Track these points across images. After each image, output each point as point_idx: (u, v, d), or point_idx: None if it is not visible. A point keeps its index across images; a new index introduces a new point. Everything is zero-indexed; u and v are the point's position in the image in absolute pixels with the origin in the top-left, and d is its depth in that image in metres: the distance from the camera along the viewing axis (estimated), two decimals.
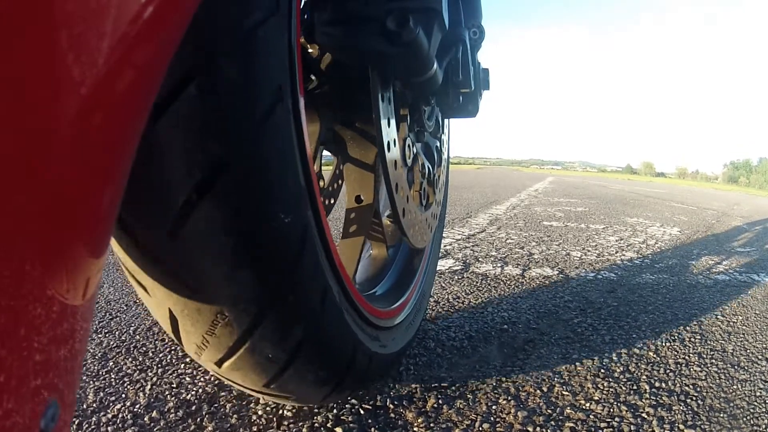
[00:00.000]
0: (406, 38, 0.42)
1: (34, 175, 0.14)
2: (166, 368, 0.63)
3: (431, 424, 0.51)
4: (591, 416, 0.54)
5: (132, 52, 0.17)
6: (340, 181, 0.65)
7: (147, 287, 0.33)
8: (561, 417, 0.54)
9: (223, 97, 0.28)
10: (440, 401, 0.56)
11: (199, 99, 0.28)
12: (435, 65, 0.51)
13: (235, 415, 0.51)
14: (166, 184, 0.29)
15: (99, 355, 0.67)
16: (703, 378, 0.67)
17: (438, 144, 0.83)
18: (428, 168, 0.71)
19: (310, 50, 0.49)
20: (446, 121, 0.94)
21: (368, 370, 0.47)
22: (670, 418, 0.55)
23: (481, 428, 0.51)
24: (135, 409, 0.53)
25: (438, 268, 1.15)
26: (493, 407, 0.55)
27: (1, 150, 0.13)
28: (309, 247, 0.34)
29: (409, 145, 0.58)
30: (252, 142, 0.30)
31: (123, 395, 0.56)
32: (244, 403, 0.54)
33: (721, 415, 0.57)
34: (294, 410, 0.52)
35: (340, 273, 0.40)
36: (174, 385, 0.58)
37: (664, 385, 0.64)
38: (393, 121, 0.50)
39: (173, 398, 0.55)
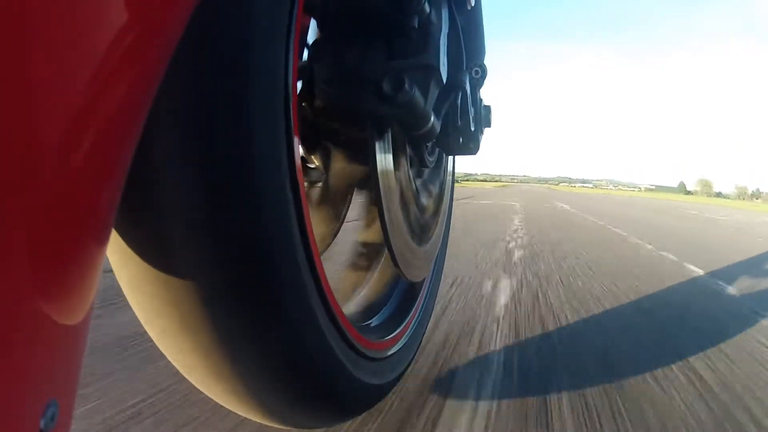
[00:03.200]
0: (401, 100, 0.42)
1: (33, 175, 0.14)
2: None
3: None
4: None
5: (131, 51, 0.17)
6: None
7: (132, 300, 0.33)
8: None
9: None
10: None
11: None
12: (432, 119, 0.51)
13: None
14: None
15: None
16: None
17: (440, 178, 0.84)
18: (428, 201, 0.72)
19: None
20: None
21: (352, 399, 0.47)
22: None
23: None
24: None
25: None
26: None
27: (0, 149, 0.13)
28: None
29: (407, 180, 0.59)
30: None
31: None
32: None
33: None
34: None
35: (327, 299, 0.40)
36: None
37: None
38: (389, 156, 0.51)
39: None
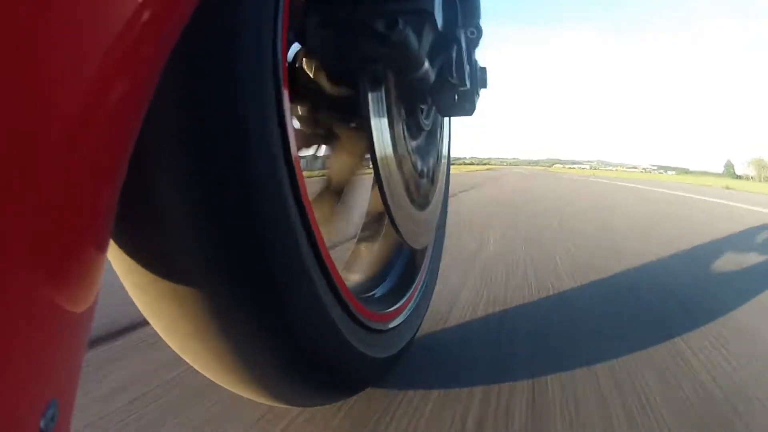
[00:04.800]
0: (395, 39, 0.42)
1: (33, 176, 0.14)
2: None
3: None
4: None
5: (129, 51, 0.17)
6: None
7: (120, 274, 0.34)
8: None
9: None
10: None
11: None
12: (426, 64, 0.51)
13: None
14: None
15: None
16: None
17: (437, 141, 0.83)
18: (425, 166, 0.71)
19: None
20: (446, 119, 0.94)
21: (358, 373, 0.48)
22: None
23: None
24: None
25: None
26: None
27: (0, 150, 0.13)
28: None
29: (403, 144, 0.58)
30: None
31: None
32: None
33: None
34: None
35: (328, 270, 0.40)
36: None
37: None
38: (384, 120, 0.51)
39: None
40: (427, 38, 0.49)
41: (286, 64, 0.35)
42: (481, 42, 0.73)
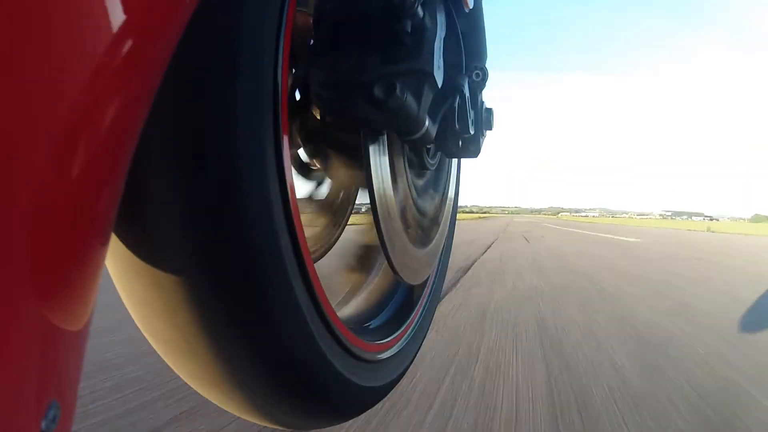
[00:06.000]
0: (393, 105, 0.42)
1: (34, 177, 0.14)
2: None
3: None
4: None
5: (130, 52, 0.17)
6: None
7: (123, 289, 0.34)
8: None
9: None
10: None
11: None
12: (426, 123, 0.51)
13: None
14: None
15: None
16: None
17: (443, 180, 0.84)
18: (429, 204, 0.72)
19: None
20: (455, 159, 0.95)
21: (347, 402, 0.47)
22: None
23: None
24: None
25: None
26: None
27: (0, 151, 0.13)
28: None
29: (404, 181, 0.59)
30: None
31: None
32: None
33: None
34: None
35: (318, 298, 0.40)
36: None
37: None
38: (385, 159, 0.51)
39: None
40: (427, 98, 0.49)
41: (287, 90, 0.36)
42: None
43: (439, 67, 0.49)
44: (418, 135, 0.51)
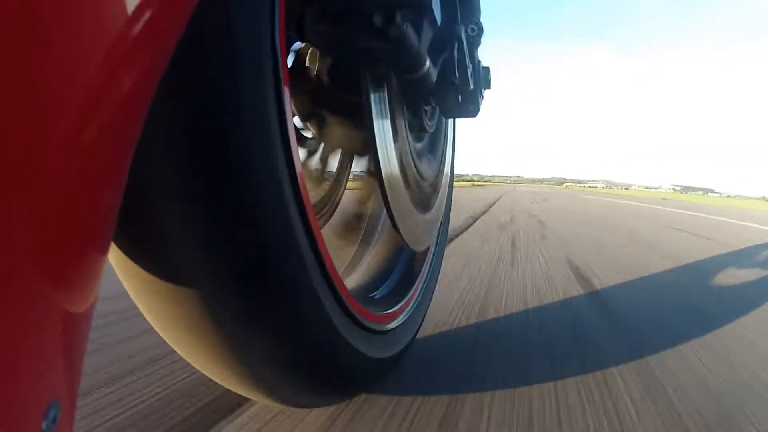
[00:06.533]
0: (394, 34, 0.41)
1: (34, 176, 0.14)
2: None
3: None
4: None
5: (130, 52, 0.17)
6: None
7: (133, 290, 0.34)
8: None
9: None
10: None
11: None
12: (428, 62, 0.50)
13: None
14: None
15: None
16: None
17: (441, 144, 0.83)
18: (429, 168, 0.71)
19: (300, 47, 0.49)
20: (451, 121, 0.93)
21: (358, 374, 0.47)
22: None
23: None
24: None
25: None
26: None
27: (1, 151, 0.13)
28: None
29: (406, 145, 0.58)
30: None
31: None
32: None
33: None
34: None
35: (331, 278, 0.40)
36: None
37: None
38: (387, 122, 0.50)
39: None
40: (427, 34, 0.48)
41: (287, 64, 0.35)
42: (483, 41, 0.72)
43: (437, 2, 0.48)
44: (419, 73, 0.50)
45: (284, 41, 0.34)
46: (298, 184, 0.35)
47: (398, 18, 0.41)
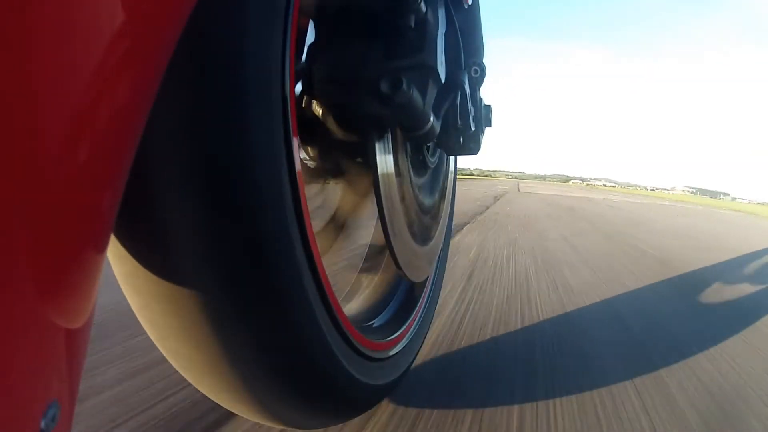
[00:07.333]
0: (399, 100, 0.42)
1: (34, 177, 0.14)
2: None
3: None
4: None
5: (130, 52, 0.17)
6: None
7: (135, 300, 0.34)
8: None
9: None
10: None
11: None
12: (431, 119, 0.51)
13: None
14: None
15: None
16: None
17: (442, 178, 0.84)
18: (430, 202, 0.72)
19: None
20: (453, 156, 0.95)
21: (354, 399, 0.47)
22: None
23: None
24: None
25: None
26: None
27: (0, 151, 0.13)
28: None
29: (408, 181, 0.59)
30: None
31: None
32: None
33: None
34: None
35: (329, 301, 0.40)
36: None
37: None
38: (390, 157, 0.51)
39: None
40: (432, 93, 0.49)
41: (294, 96, 0.35)
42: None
43: (441, 62, 0.49)
44: (423, 130, 0.50)
45: (294, 49, 0.35)
46: (297, 186, 0.34)
47: (404, 84, 0.41)
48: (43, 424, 0.17)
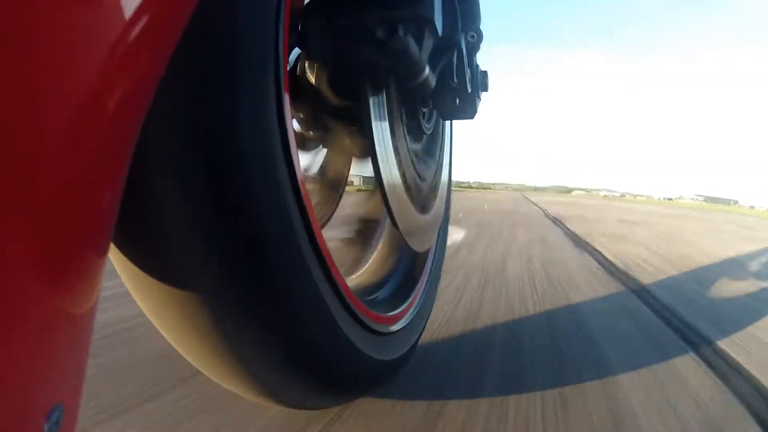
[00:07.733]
0: (395, 46, 0.42)
1: (35, 177, 0.14)
2: None
3: None
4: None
5: (129, 52, 0.17)
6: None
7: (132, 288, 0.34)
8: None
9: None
10: None
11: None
12: (427, 70, 0.51)
13: None
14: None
15: None
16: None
17: (439, 145, 0.83)
18: (427, 169, 0.71)
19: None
20: (448, 124, 0.94)
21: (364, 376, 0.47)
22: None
23: None
24: None
25: None
26: None
27: (0, 152, 0.13)
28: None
29: (404, 147, 0.58)
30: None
31: None
32: None
33: None
34: None
35: (333, 277, 0.40)
36: None
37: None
38: (386, 123, 0.51)
39: None
40: (428, 44, 0.49)
41: (287, 68, 0.35)
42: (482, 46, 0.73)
43: (438, 16, 0.48)
44: (418, 80, 0.51)
45: (287, 45, 0.34)
46: (298, 185, 0.35)
47: (400, 32, 0.42)
48: (46, 428, 0.17)
